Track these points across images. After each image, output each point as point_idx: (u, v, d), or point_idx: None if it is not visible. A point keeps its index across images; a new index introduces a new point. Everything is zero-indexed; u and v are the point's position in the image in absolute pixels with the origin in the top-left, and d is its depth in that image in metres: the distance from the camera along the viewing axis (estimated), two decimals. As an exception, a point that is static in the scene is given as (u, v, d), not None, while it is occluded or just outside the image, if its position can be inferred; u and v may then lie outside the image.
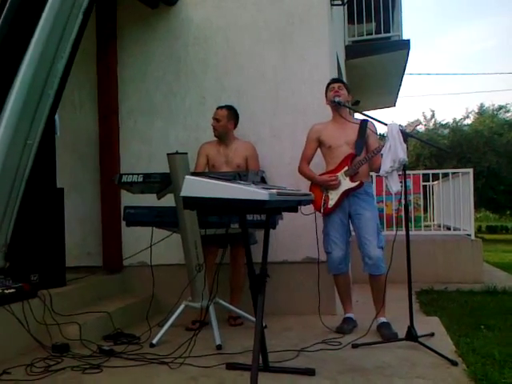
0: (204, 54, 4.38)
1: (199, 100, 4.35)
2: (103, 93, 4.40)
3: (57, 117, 3.84)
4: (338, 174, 3.56)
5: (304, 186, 3.69)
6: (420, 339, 3.05)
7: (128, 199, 4.04)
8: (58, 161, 3.83)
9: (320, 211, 3.61)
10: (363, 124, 3.61)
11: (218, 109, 3.94)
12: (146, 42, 4.48)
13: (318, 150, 3.74)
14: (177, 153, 3.28)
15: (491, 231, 22.38)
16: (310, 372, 2.65)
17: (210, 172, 3.84)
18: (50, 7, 0.92)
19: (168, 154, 3.29)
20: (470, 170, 6.65)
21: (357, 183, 3.52)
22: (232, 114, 3.94)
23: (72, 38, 0.97)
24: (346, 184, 3.54)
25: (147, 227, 3.53)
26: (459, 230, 6.87)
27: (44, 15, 0.92)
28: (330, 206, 3.57)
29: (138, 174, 3.41)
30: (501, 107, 20.38)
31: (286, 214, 3.32)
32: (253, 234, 3.86)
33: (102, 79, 4.40)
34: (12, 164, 2.19)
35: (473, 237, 6.44)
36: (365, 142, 3.59)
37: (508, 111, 20.27)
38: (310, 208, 3.44)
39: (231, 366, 2.78)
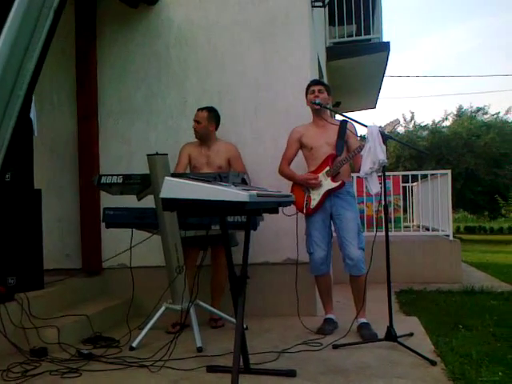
0: (185, 54, 4.36)
1: (180, 101, 4.32)
2: (82, 93, 4.34)
3: (34, 117, 3.78)
4: (320, 174, 3.58)
5: (286, 188, 3.69)
6: (399, 339, 3.08)
7: (108, 200, 4.00)
8: (35, 161, 3.78)
9: (302, 212, 3.62)
10: (343, 125, 3.63)
11: (198, 110, 3.92)
12: (127, 42, 4.44)
13: (300, 152, 3.75)
14: (157, 154, 3.26)
15: (469, 232, 22.72)
16: (291, 373, 2.66)
17: (191, 173, 3.83)
18: (17, 6, 0.90)
19: (148, 155, 3.27)
20: (448, 172, 6.74)
21: (338, 183, 3.54)
22: (213, 115, 3.92)
23: (43, 38, 0.95)
24: (328, 184, 3.55)
25: (127, 229, 3.50)
26: (438, 230, 6.95)
27: (11, 14, 0.90)
28: (312, 207, 3.58)
29: (118, 175, 3.38)
30: (479, 109, 20.72)
31: (267, 215, 3.33)
32: (234, 236, 3.85)
33: (81, 79, 4.34)
34: None
35: (451, 237, 6.52)
36: (345, 142, 3.61)
37: (486, 113, 20.61)
38: (292, 209, 3.45)
39: (212, 369, 2.76)
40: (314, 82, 3.75)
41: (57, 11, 1.02)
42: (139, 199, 3.47)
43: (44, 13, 1.01)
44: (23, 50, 0.99)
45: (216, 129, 3.97)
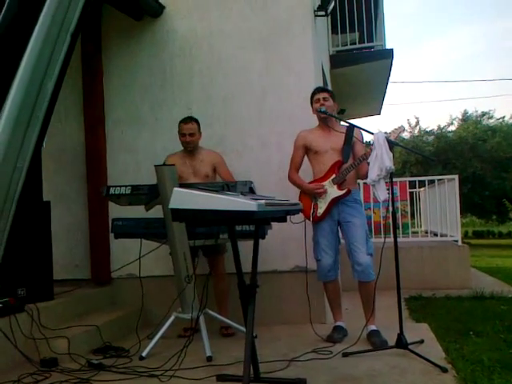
0: (189, 63, 4.39)
1: (186, 110, 4.35)
2: (89, 104, 4.39)
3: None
4: (326, 182, 3.58)
5: (292, 195, 3.70)
6: (410, 346, 3.06)
7: (116, 210, 4.02)
8: (44, 172, 3.81)
9: (309, 219, 3.62)
10: (349, 131, 3.63)
11: (185, 123, 3.86)
12: (132, 54, 4.48)
13: (306, 157, 3.77)
14: (164, 164, 3.28)
15: (478, 236, 22.62)
16: (301, 382, 2.65)
17: (199, 183, 3.84)
18: (37, 33, 0.92)
19: (156, 166, 3.29)
20: (456, 177, 6.73)
21: (344, 191, 3.54)
22: (199, 124, 3.93)
23: (60, 60, 0.97)
24: (334, 192, 3.56)
25: (136, 239, 3.51)
26: (446, 236, 6.92)
27: (32, 41, 0.92)
28: (318, 215, 3.59)
29: (126, 186, 3.40)
30: (484, 113, 20.69)
31: (274, 223, 3.33)
32: (224, 245, 3.85)
33: (87, 90, 4.39)
34: (2, 187, 2.17)
35: (460, 242, 6.49)
36: (351, 148, 3.62)
37: (491, 117, 20.58)
38: (299, 216, 3.45)
39: (222, 378, 2.76)
40: (318, 90, 3.76)
41: (73, 35, 1.05)
42: (147, 210, 3.49)
43: (62, 37, 1.03)
44: (43, 73, 1.02)
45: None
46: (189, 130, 3.85)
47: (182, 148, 3.95)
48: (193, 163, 3.89)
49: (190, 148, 3.89)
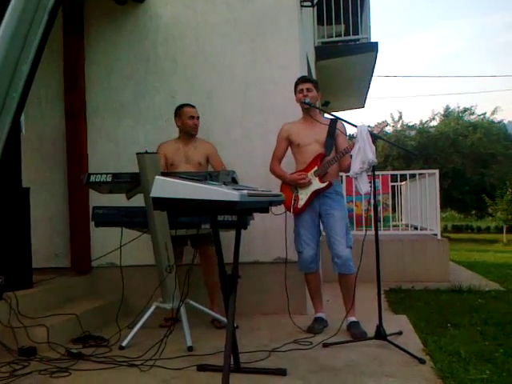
0: (173, 52, 4.34)
1: (169, 99, 4.30)
2: (70, 90, 4.31)
3: (22, 114, 3.73)
4: (308, 173, 3.59)
5: (275, 187, 3.70)
6: (389, 338, 3.10)
7: (97, 199, 3.98)
8: (23, 159, 3.74)
9: (290, 211, 3.63)
10: (333, 123, 3.64)
11: (192, 107, 3.89)
12: (114, 40, 4.41)
13: (289, 149, 3.76)
14: (146, 152, 3.25)
15: (457, 231, 22.96)
16: (281, 372, 2.66)
17: (181, 172, 3.81)
18: (12, 9, 0.89)
19: (137, 154, 3.25)
20: (436, 171, 6.80)
21: (326, 183, 3.55)
22: None
23: (37, 40, 0.94)
24: (316, 184, 3.56)
25: (117, 228, 3.48)
26: (426, 229, 7.01)
27: (6, 18, 0.89)
28: (299, 206, 3.59)
29: (107, 174, 3.36)
30: (466, 109, 20.96)
31: (256, 215, 3.33)
32: (210, 234, 3.84)
33: (68, 76, 4.31)
34: None
35: (439, 236, 6.58)
36: (334, 141, 3.62)
37: (473, 113, 20.85)
38: (280, 208, 3.46)
39: (202, 368, 2.76)
40: (302, 80, 3.73)
41: (51, 12, 1.01)
42: (128, 198, 3.46)
43: (39, 15, 1.00)
44: (18, 52, 0.98)
45: None
46: (196, 113, 3.87)
47: (167, 137, 3.91)
48: (186, 150, 3.86)
49: (195, 132, 3.88)
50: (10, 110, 1.01)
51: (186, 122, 3.85)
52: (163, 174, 3.03)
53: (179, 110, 3.89)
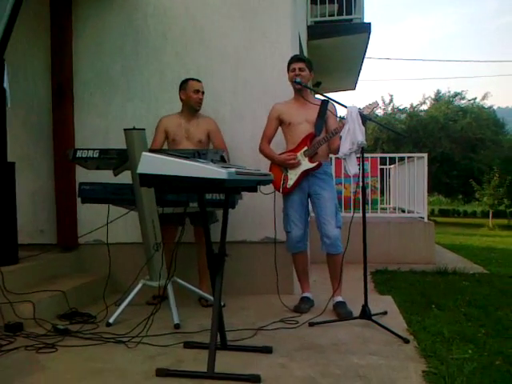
0: (164, 26, 4.26)
1: (158, 75, 4.24)
2: (57, 64, 4.22)
3: (8, 87, 3.66)
4: (298, 154, 3.57)
5: (264, 166, 3.68)
6: (374, 317, 3.13)
7: (83, 175, 3.93)
8: (8, 134, 3.67)
9: (279, 191, 3.62)
10: (324, 104, 3.62)
11: (198, 81, 3.84)
12: (103, 11, 4.30)
13: (279, 129, 3.74)
14: (134, 128, 3.20)
15: (443, 214, 23.20)
16: (267, 350, 2.68)
17: (169, 149, 3.77)
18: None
19: (125, 130, 3.20)
20: (425, 155, 6.82)
21: (315, 164, 3.54)
22: None
23: (8, 12, 0.90)
24: (305, 164, 3.55)
25: (104, 204, 3.45)
26: (413, 212, 7.06)
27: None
28: (288, 186, 3.58)
29: (94, 150, 3.31)
30: (456, 94, 21.01)
31: (245, 194, 3.32)
32: (214, 213, 3.83)
33: (55, 49, 4.22)
34: None
35: (426, 219, 6.63)
36: (324, 122, 3.60)
37: (463, 98, 20.90)
38: (269, 187, 3.45)
39: (189, 345, 2.77)
40: (295, 59, 3.68)
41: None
42: (116, 174, 3.42)
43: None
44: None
45: None
46: (202, 88, 3.82)
47: (156, 113, 3.86)
48: (188, 126, 3.82)
49: (199, 107, 3.84)
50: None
51: (191, 96, 3.80)
52: (150, 151, 2.99)
53: (185, 83, 3.84)
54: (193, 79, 3.86)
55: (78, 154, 3.32)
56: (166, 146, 3.87)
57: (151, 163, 2.16)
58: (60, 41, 4.22)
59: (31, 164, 4.32)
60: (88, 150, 3.30)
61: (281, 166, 3.61)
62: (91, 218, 4.05)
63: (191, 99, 3.80)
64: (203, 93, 3.85)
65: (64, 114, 4.23)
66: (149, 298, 3.73)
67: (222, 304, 3.18)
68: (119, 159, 3.29)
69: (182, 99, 3.85)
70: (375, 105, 3.54)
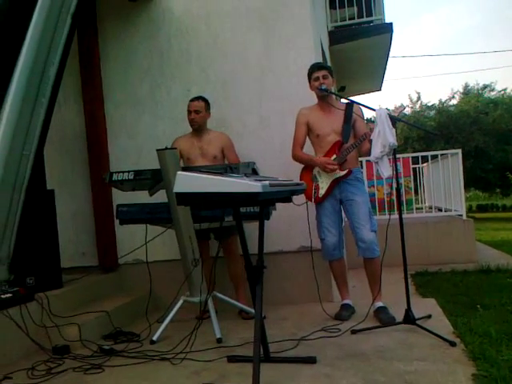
0: (187, 44, 4.35)
1: (184, 92, 4.32)
2: (87, 88, 4.35)
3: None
4: (328, 161, 3.56)
5: (295, 175, 3.68)
6: (417, 322, 3.08)
7: (120, 195, 4.02)
8: (45, 161, 3.79)
9: (311, 200, 3.62)
10: (349, 108, 3.60)
11: (192, 101, 3.87)
12: (128, 35, 4.44)
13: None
14: (166, 148, 3.26)
15: (482, 210, 22.58)
16: (310, 360, 2.67)
17: (202, 166, 3.82)
18: (38, 14, 0.90)
19: (157, 150, 3.26)
20: (459, 151, 6.69)
21: (346, 171, 3.53)
22: (208, 104, 3.91)
23: (62, 43, 0.95)
24: (336, 173, 3.54)
25: (141, 224, 3.52)
26: (450, 210, 6.91)
27: (33, 22, 0.89)
28: (320, 195, 3.58)
29: (129, 172, 3.39)
30: (485, 86, 20.52)
31: (278, 204, 3.33)
32: (233, 226, 3.86)
33: (85, 74, 4.35)
34: (10, 176, 2.15)
35: (464, 217, 6.49)
36: (351, 127, 3.59)
37: (493, 90, 20.40)
38: (301, 198, 3.45)
39: (232, 359, 2.79)
40: (317, 67, 3.68)
41: (74, 16, 1.03)
42: (151, 194, 3.49)
43: (62, 18, 1.01)
44: (45, 56, 1.00)
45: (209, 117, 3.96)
46: (195, 107, 3.85)
47: (184, 131, 3.92)
48: (200, 144, 3.87)
49: (195, 126, 3.87)
50: (40, 114, 1.02)
51: (188, 117, 3.88)
52: (184, 169, 3.04)
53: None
54: (191, 99, 3.90)
55: (114, 177, 3.40)
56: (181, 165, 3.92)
57: (187, 182, 2.19)
58: (88, 65, 4.34)
59: (69, 187, 4.45)
60: (123, 172, 3.38)
61: (310, 174, 3.60)
62: (129, 238, 4.14)
63: (188, 120, 3.88)
64: (196, 112, 3.83)
65: (97, 137, 4.35)
66: (195, 313, 3.71)
67: (263, 316, 3.19)
68: (153, 179, 3.35)
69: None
70: (402, 108, 3.52)
